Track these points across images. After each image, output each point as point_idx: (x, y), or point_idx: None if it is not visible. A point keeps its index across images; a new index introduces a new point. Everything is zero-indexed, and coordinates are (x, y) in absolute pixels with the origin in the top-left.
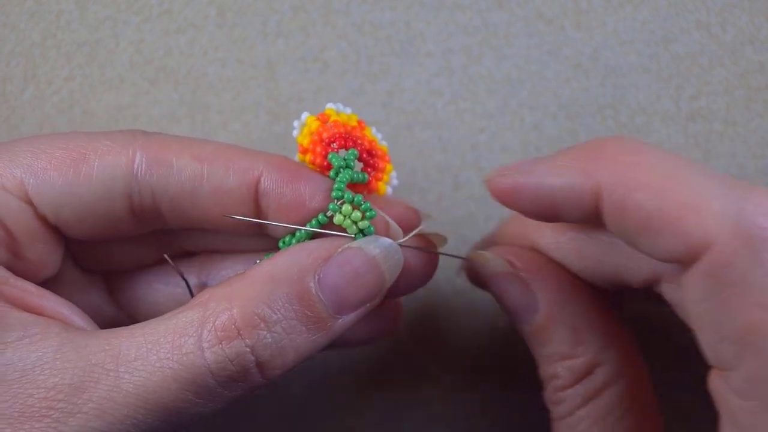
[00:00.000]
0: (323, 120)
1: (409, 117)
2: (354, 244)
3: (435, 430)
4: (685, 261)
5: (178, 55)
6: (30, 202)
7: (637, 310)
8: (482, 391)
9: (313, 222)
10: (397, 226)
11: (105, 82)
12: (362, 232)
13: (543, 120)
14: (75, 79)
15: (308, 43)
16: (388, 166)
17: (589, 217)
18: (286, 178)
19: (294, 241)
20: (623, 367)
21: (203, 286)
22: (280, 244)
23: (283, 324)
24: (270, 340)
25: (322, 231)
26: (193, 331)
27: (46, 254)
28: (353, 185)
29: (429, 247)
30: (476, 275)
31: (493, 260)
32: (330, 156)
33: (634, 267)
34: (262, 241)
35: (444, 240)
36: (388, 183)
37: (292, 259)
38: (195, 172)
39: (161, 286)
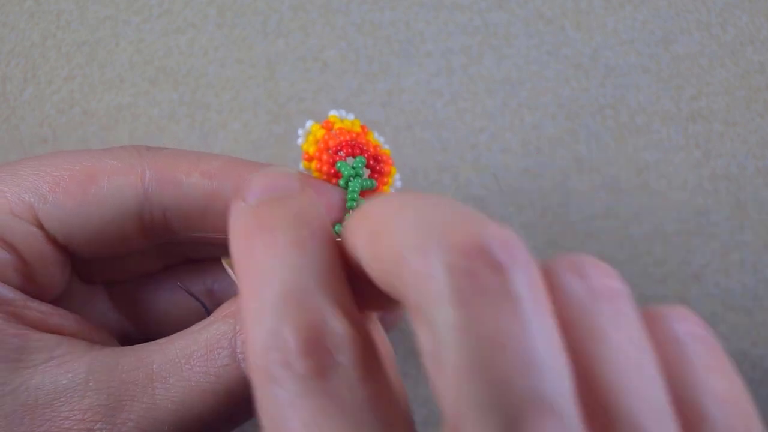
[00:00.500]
0: (328, 128)
1: (409, 117)
2: None
3: (435, 429)
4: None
5: (177, 55)
6: (41, 226)
7: None
8: None
9: None
10: None
11: (105, 82)
12: None
13: (543, 120)
14: (75, 79)
15: (308, 43)
16: (392, 169)
17: None
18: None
19: None
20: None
21: (210, 292)
22: None
23: None
24: None
25: None
26: (226, 343)
27: (56, 275)
28: (362, 192)
29: None
30: None
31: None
32: (339, 165)
33: None
34: None
35: None
36: (392, 186)
37: None
38: (206, 189)
39: (166, 294)
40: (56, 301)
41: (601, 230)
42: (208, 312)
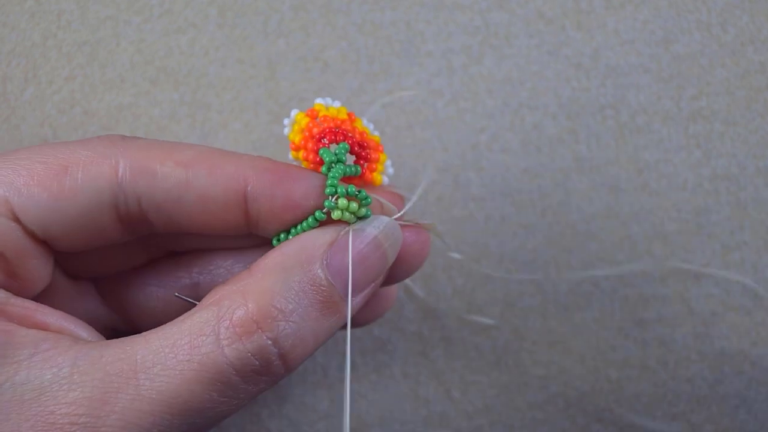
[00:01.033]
0: (312, 116)
1: (409, 117)
2: (355, 226)
3: (435, 429)
4: None
5: (178, 55)
6: (17, 220)
7: None
8: (482, 390)
9: (310, 220)
10: (391, 205)
11: (106, 82)
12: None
13: (543, 120)
14: (75, 79)
15: (308, 43)
16: (382, 156)
17: None
18: (275, 180)
19: (290, 237)
20: None
21: (196, 284)
22: (274, 242)
23: (299, 312)
24: (290, 330)
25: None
26: (209, 330)
27: (37, 269)
28: (348, 179)
29: (420, 227)
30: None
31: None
32: (321, 151)
33: None
34: (252, 239)
35: (432, 225)
36: (383, 173)
37: (299, 247)
38: (180, 179)
39: (154, 288)
40: (41, 297)
41: (601, 230)
42: None
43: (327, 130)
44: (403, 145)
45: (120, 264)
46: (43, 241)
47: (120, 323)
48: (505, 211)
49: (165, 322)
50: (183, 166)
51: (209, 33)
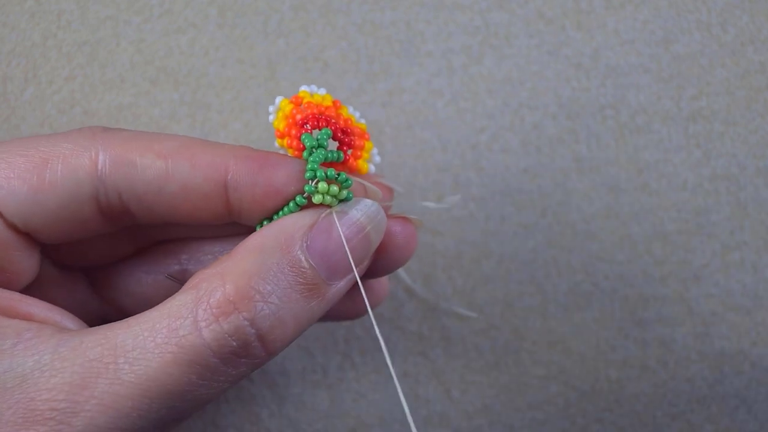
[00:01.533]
0: (297, 102)
1: (409, 117)
2: (336, 208)
3: (435, 429)
4: None
5: (178, 55)
6: None
7: None
8: (482, 390)
9: (291, 205)
10: (375, 188)
11: (106, 82)
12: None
13: (543, 120)
14: (76, 79)
15: (308, 43)
16: (368, 144)
17: None
18: (255, 167)
19: None
20: None
21: (184, 271)
22: (257, 229)
23: (278, 293)
24: (267, 310)
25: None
26: (187, 312)
27: (22, 261)
28: (330, 165)
29: (408, 222)
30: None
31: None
32: (303, 137)
33: None
34: (239, 226)
35: (420, 222)
36: (370, 160)
37: (279, 229)
38: (160, 170)
39: (143, 275)
40: (31, 288)
41: (601, 230)
42: None
43: (310, 115)
44: (403, 145)
45: (108, 254)
46: (25, 234)
47: (112, 313)
48: (505, 211)
49: None
50: (163, 157)
51: (209, 33)
